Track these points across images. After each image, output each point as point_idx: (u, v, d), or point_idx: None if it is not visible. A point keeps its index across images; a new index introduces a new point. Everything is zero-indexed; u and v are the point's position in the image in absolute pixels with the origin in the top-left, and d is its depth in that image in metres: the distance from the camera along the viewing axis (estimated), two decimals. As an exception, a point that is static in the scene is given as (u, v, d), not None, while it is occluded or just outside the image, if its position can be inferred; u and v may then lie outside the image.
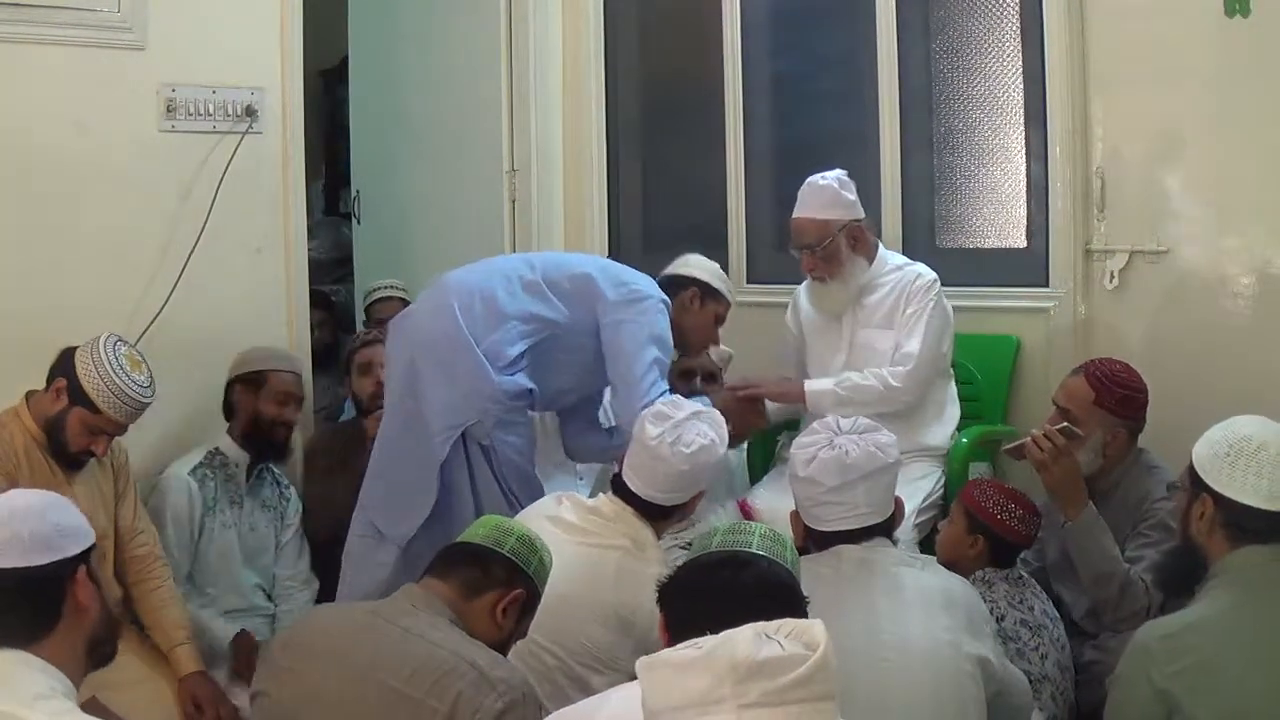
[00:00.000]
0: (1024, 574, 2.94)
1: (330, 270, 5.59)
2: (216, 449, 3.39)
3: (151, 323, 3.47)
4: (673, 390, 3.25)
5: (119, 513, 3.09)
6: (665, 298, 3.38)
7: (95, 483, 3.02)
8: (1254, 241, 3.40)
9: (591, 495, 2.96)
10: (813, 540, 2.42)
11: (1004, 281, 3.91)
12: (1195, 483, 2.21)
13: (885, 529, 2.42)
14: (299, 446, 3.71)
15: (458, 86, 4.72)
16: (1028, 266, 3.86)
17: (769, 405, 3.60)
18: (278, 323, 3.82)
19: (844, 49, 4.30)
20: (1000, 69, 3.93)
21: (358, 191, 5.05)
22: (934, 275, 3.57)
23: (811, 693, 1.29)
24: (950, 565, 2.60)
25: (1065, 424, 3.01)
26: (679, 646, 1.35)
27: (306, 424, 3.92)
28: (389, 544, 3.17)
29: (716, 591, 1.83)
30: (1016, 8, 3.85)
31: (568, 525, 2.66)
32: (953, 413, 3.62)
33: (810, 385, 3.53)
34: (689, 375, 3.77)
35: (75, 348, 2.93)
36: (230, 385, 3.46)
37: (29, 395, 2.98)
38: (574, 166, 4.78)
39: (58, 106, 3.40)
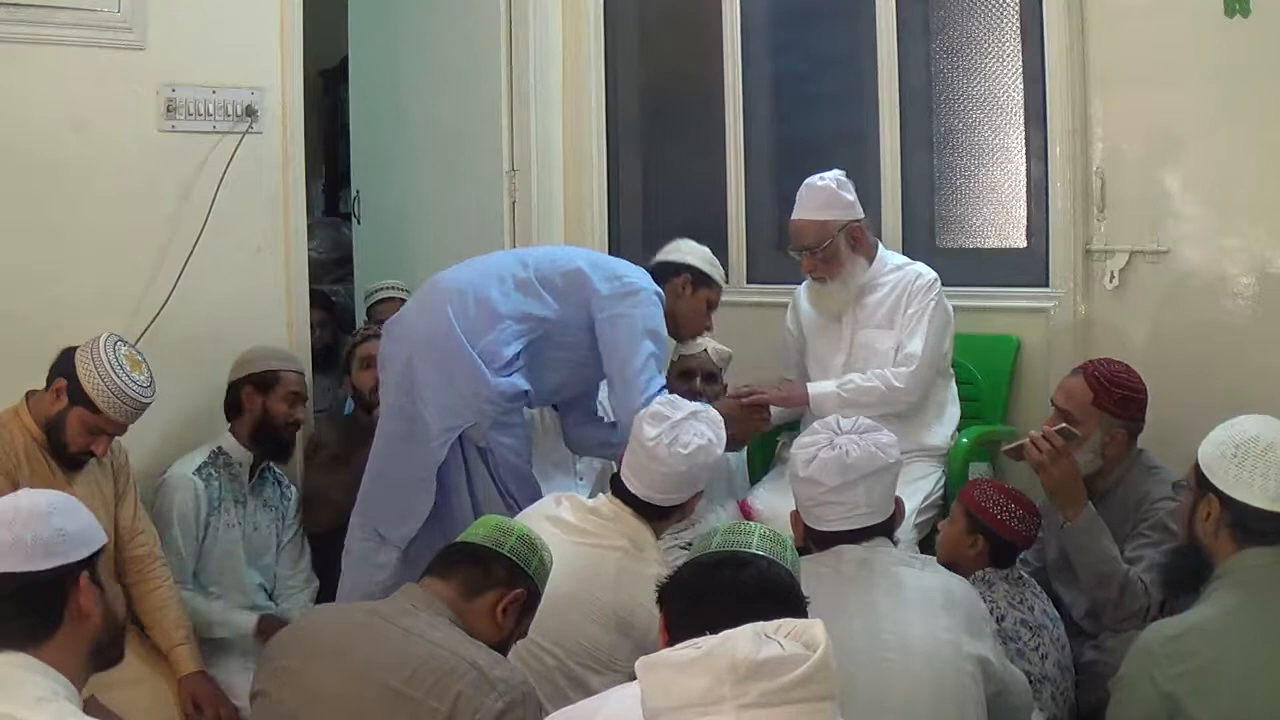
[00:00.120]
0: (1024, 574, 2.94)
1: (330, 270, 5.59)
2: (220, 448, 3.40)
3: (151, 323, 3.47)
4: (672, 391, 3.25)
5: (119, 513, 3.09)
6: (658, 289, 3.37)
7: (95, 483, 3.02)
8: (1254, 241, 3.40)
9: (591, 495, 2.96)
10: (813, 540, 2.42)
11: (1004, 281, 3.91)
12: (1201, 483, 2.19)
13: (886, 529, 2.42)
14: (300, 444, 3.72)
15: (458, 86, 4.72)
16: (1028, 266, 3.86)
17: (771, 409, 3.60)
18: (278, 323, 3.82)
19: (844, 49, 4.30)
20: (1000, 69, 3.93)
21: (358, 191, 5.05)
22: (934, 275, 3.57)
23: (811, 693, 1.29)
24: (950, 565, 2.60)
25: (1064, 425, 3.01)
26: (678, 646, 1.35)
27: (307, 424, 3.92)
28: (389, 546, 3.17)
29: (716, 591, 1.83)
30: (1016, 8, 3.85)
31: (567, 525, 2.66)
32: (953, 413, 3.62)
33: (813, 388, 3.53)
34: (689, 375, 3.77)
35: (75, 348, 2.93)
36: (237, 385, 3.45)
37: (29, 395, 2.97)
38: (574, 166, 4.78)
39: (58, 106, 3.40)
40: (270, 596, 3.47)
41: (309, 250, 4.02)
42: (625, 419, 3.21)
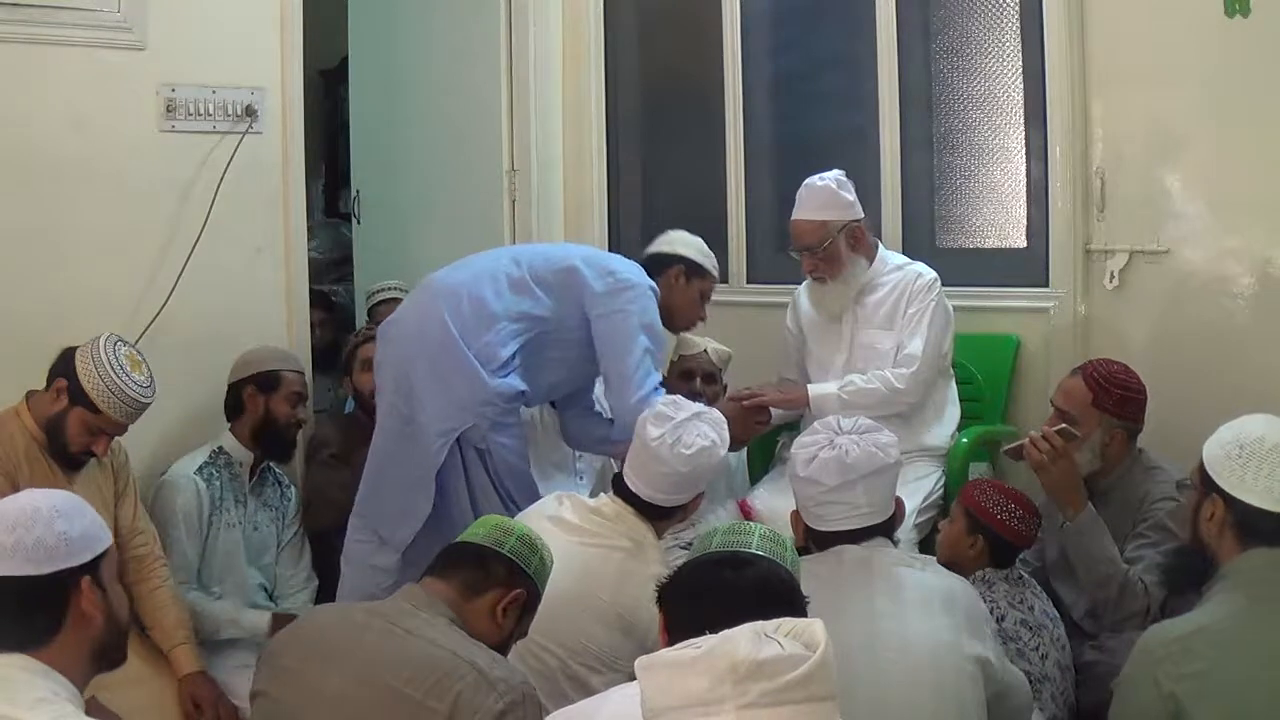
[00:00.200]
0: (1024, 574, 2.94)
1: (330, 270, 5.59)
2: (220, 448, 3.39)
3: (151, 323, 3.47)
4: (671, 392, 3.25)
5: (119, 513, 3.09)
6: (653, 284, 3.36)
7: (95, 483, 3.02)
8: (1254, 241, 3.40)
9: (591, 495, 2.96)
10: (813, 540, 2.42)
11: (1004, 281, 3.91)
12: (1205, 482, 2.18)
13: (886, 529, 2.42)
14: (300, 444, 3.71)
15: (458, 86, 4.72)
16: (1028, 266, 3.86)
17: (772, 409, 3.60)
18: (278, 323, 3.82)
19: (844, 49, 4.30)
20: (1000, 69, 3.93)
21: (358, 191, 5.05)
22: (934, 275, 3.57)
23: (811, 693, 1.29)
24: (950, 565, 2.60)
25: (1064, 425, 3.01)
26: (678, 646, 1.35)
27: (307, 424, 3.92)
28: (388, 548, 3.17)
29: (716, 592, 1.82)
30: (1016, 8, 3.85)
31: (569, 525, 2.66)
32: (953, 413, 3.62)
33: (814, 390, 3.53)
34: (688, 376, 3.78)
35: (75, 348, 2.93)
36: (239, 386, 3.44)
37: (29, 395, 2.97)
38: (574, 166, 4.78)
39: (58, 106, 3.40)
40: (270, 596, 3.47)
41: (309, 250, 4.02)
42: (622, 416, 3.22)
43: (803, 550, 2.34)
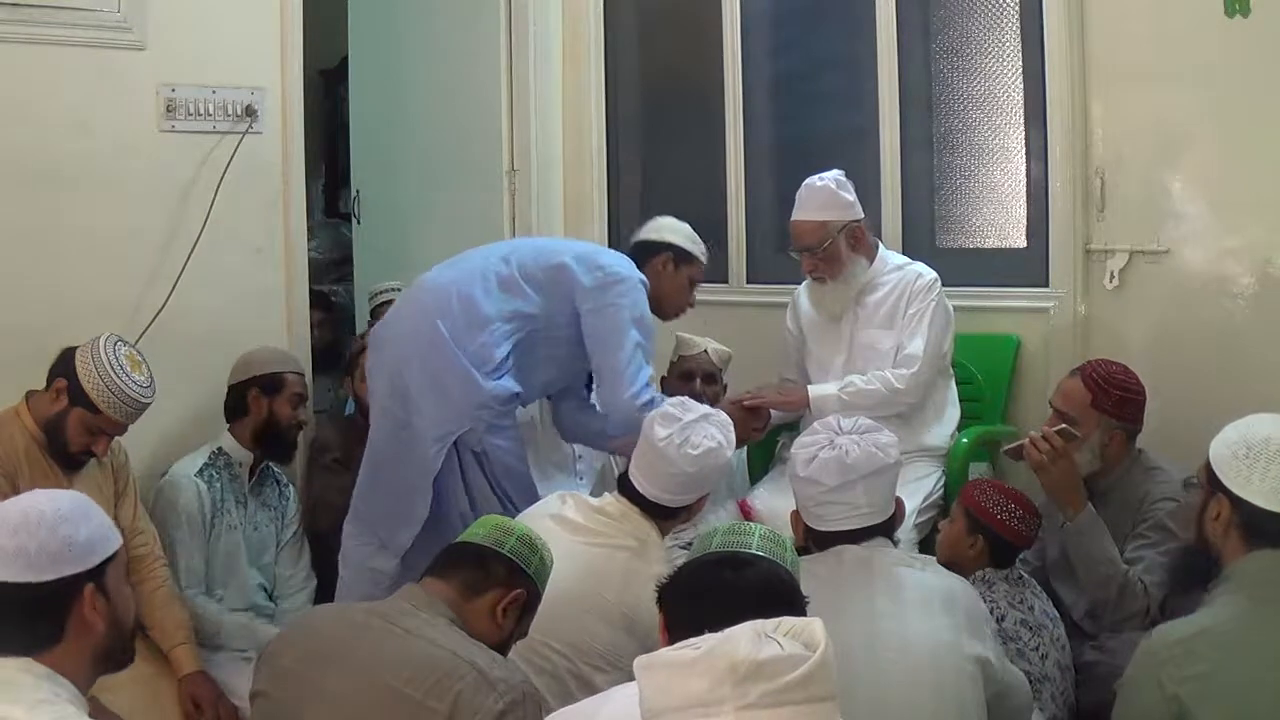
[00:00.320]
0: (1024, 574, 2.94)
1: (330, 270, 5.59)
2: (220, 449, 3.39)
3: (151, 323, 3.47)
4: (671, 393, 3.25)
5: (119, 513, 3.09)
6: (643, 277, 3.35)
7: (95, 483, 3.01)
8: (1254, 241, 3.40)
9: (591, 495, 2.96)
10: (813, 540, 2.42)
11: (1004, 281, 3.91)
12: (1212, 482, 2.16)
13: (886, 529, 2.42)
14: (301, 448, 3.71)
15: (458, 86, 4.72)
16: (1028, 266, 3.86)
17: (772, 410, 3.60)
18: (277, 323, 3.82)
19: (844, 49, 4.30)
20: (1000, 69, 3.93)
21: (358, 191, 5.05)
22: (934, 275, 3.57)
23: (811, 693, 1.28)
24: (950, 565, 2.60)
25: (1063, 425, 3.01)
26: (677, 646, 1.34)
27: (308, 427, 3.92)
28: (386, 553, 3.17)
29: (716, 592, 1.82)
30: (1016, 8, 3.85)
31: (573, 525, 2.66)
32: (953, 413, 3.62)
33: (814, 391, 3.53)
34: (689, 377, 3.78)
35: (75, 348, 2.93)
36: (242, 388, 3.43)
37: (29, 395, 2.97)
38: (574, 166, 4.78)
39: (58, 106, 3.40)
40: (270, 596, 3.47)
41: (309, 250, 4.02)
42: (615, 412, 3.22)
43: (803, 550, 2.33)
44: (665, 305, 3.51)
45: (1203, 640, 2.02)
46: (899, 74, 4.07)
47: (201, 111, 3.62)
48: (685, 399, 2.85)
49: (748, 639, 1.30)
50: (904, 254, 3.76)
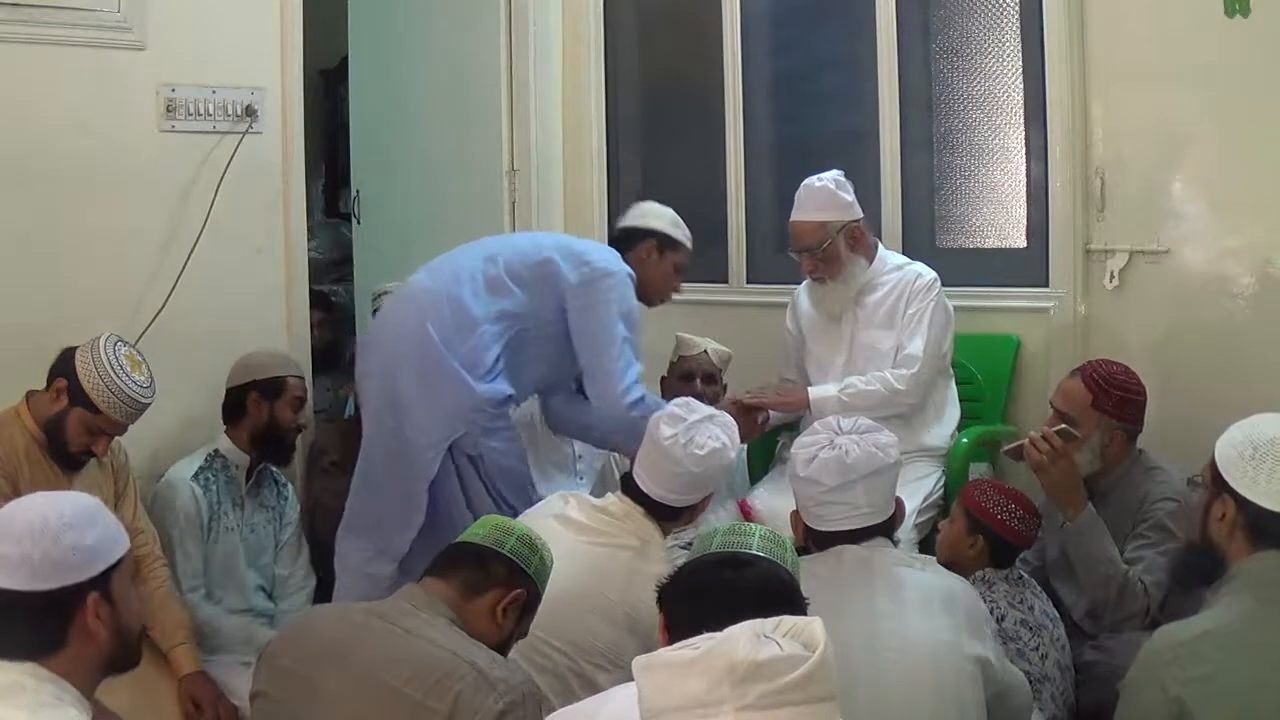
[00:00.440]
0: (1024, 574, 2.94)
1: (330, 270, 5.59)
2: (216, 451, 3.38)
3: (151, 323, 3.47)
4: (671, 393, 3.25)
5: (119, 513, 3.07)
6: (629, 270, 3.34)
7: (95, 483, 3.01)
8: (1254, 241, 3.40)
9: (592, 495, 2.96)
10: (813, 540, 2.42)
11: (1004, 281, 3.91)
12: (1217, 482, 2.15)
13: (886, 529, 2.42)
14: (301, 451, 3.71)
15: (458, 86, 4.72)
16: (1028, 266, 3.86)
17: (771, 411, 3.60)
18: (277, 323, 3.82)
19: (844, 49, 4.30)
20: (1000, 69, 3.93)
21: (358, 191, 5.05)
22: (934, 275, 3.57)
23: (810, 694, 1.28)
24: (950, 565, 2.60)
25: (1064, 425, 3.01)
26: (676, 646, 1.34)
27: (308, 430, 3.92)
28: (385, 558, 3.16)
29: (716, 592, 1.82)
30: (1016, 8, 3.85)
31: (576, 525, 2.66)
32: (953, 413, 3.62)
33: (814, 393, 3.53)
34: (689, 378, 3.77)
35: (75, 348, 2.92)
36: (241, 391, 3.41)
37: (29, 395, 2.97)
38: (574, 166, 4.78)
39: (58, 106, 3.40)
40: (269, 596, 3.46)
41: (309, 250, 4.02)
42: (604, 408, 3.22)
43: (803, 550, 2.33)
44: (651, 292, 3.49)
45: (1206, 642, 2.01)
46: (899, 74, 4.07)
47: (201, 111, 3.62)
48: (690, 400, 2.85)
49: (747, 639, 1.30)
50: (904, 254, 3.76)
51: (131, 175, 3.52)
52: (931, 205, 4.11)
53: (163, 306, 3.50)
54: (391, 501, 3.16)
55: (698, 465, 2.67)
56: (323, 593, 3.49)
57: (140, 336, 3.35)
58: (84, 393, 2.86)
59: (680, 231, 3.55)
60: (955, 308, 3.61)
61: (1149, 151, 3.56)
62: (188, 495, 3.26)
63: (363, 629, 2.08)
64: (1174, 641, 2.04)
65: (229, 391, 3.44)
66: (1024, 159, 3.90)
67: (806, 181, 3.59)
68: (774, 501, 3.35)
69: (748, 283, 4.47)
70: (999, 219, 4.02)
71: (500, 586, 2.18)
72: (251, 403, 3.40)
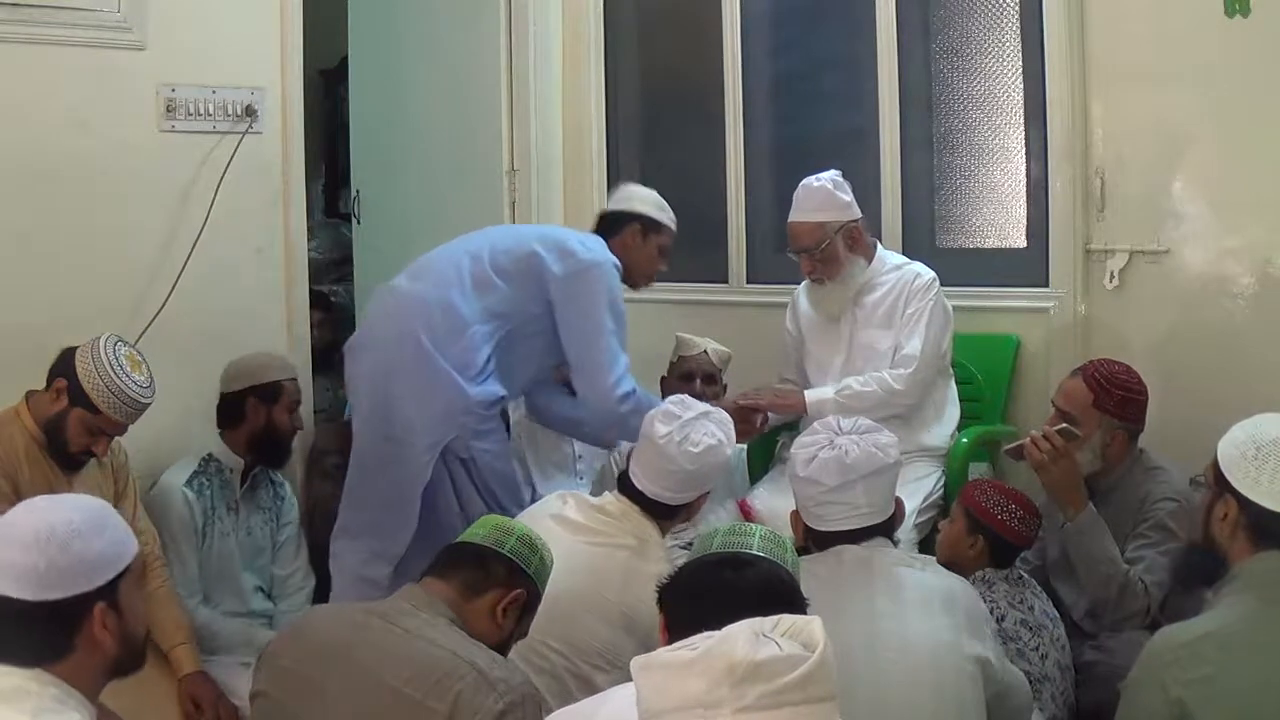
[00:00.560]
0: (1024, 574, 2.94)
1: (330, 270, 5.59)
2: (210, 455, 3.37)
3: (151, 322, 3.47)
4: (670, 394, 3.24)
5: (118, 513, 3.08)
6: (615, 259, 3.33)
7: (95, 483, 3.01)
8: (1254, 241, 3.40)
9: (591, 494, 2.96)
10: (813, 540, 2.42)
11: (1004, 281, 3.91)
12: (1219, 482, 2.14)
13: (886, 529, 2.42)
14: (301, 453, 3.71)
15: (458, 86, 4.72)
16: (1028, 266, 3.86)
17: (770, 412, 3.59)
18: (277, 323, 3.82)
19: (844, 49, 4.30)
20: (1000, 69, 3.93)
21: (358, 191, 5.05)
22: (933, 274, 3.56)
23: (810, 694, 1.28)
24: (950, 565, 2.60)
25: (1064, 425, 3.01)
26: (674, 646, 1.34)
27: (308, 431, 3.92)
28: (380, 561, 3.16)
29: (717, 592, 1.82)
30: (1016, 8, 3.85)
31: (573, 524, 2.66)
32: (952, 413, 3.62)
33: (811, 395, 3.52)
34: (689, 378, 3.77)
35: (75, 348, 2.92)
36: (239, 396, 3.39)
37: (29, 395, 2.97)
38: (574, 166, 4.78)
39: (58, 106, 3.40)
40: (268, 597, 3.46)
41: (309, 250, 4.02)
42: (593, 402, 3.22)
43: (803, 550, 2.33)
44: (636, 276, 3.48)
45: (1207, 643, 2.01)
46: (899, 74, 4.07)
47: (201, 111, 3.62)
48: (685, 397, 2.85)
49: (746, 639, 1.30)
50: (904, 254, 3.76)
51: (131, 175, 3.52)
52: (931, 205, 4.10)
53: (163, 306, 3.50)
54: (386, 504, 3.16)
55: (692, 463, 2.67)
56: (322, 593, 3.49)
57: (140, 336, 3.35)
58: (84, 393, 2.86)
59: (665, 214, 3.54)
60: (955, 308, 3.61)
61: (1149, 151, 3.56)
62: (181, 502, 3.26)
63: (363, 629, 2.08)
64: (1175, 643, 2.04)
65: (225, 396, 3.42)
66: (1024, 159, 3.90)
67: (804, 182, 3.59)
68: (774, 501, 3.35)
69: (748, 283, 4.47)
70: (999, 219, 4.02)
71: (500, 586, 2.18)
72: (249, 408, 3.38)
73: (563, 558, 2.35)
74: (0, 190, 3.31)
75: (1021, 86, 3.86)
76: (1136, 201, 3.59)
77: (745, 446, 3.79)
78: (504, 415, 3.42)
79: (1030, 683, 2.52)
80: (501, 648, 2.16)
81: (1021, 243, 3.95)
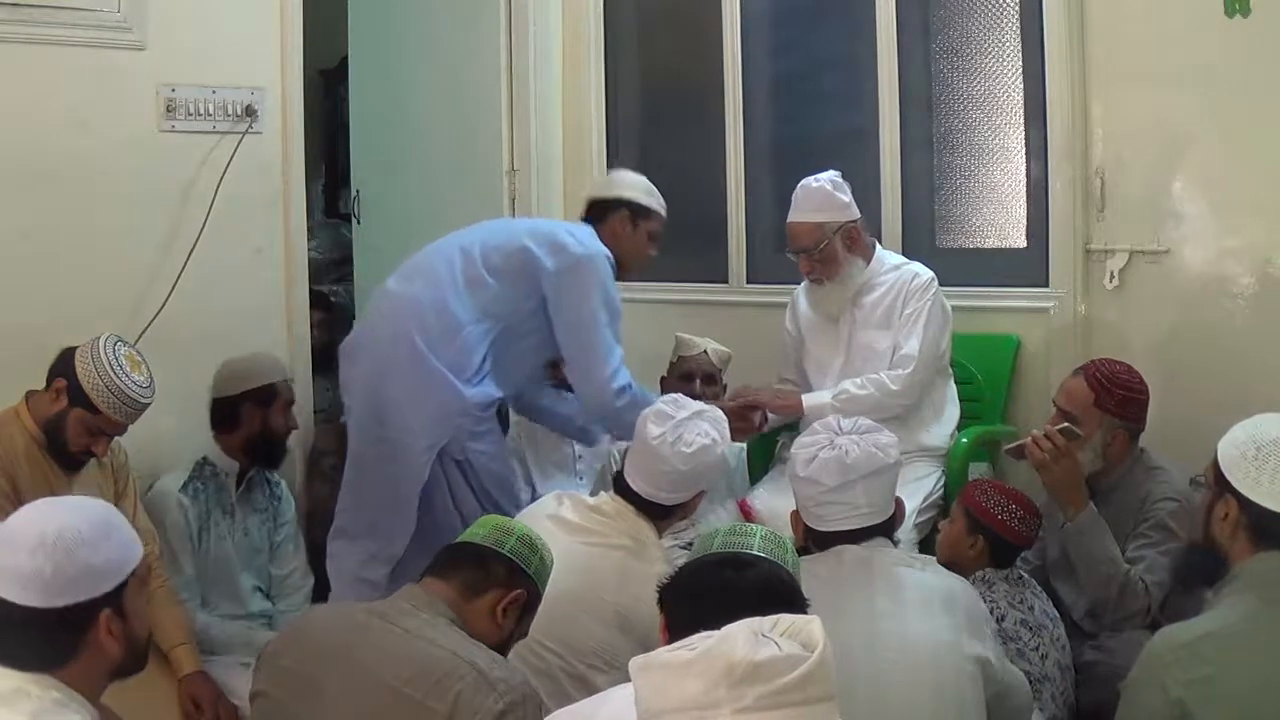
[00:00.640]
0: (1024, 574, 2.94)
1: (330, 270, 5.58)
2: (205, 459, 3.36)
3: (151, 322, 3.47)
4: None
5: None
6: (606, 251, 3.31)
7: (95, 483, 3.01)
8: (1254, 241, 3.40)
9: (591, 495, 2.96)
10: (813, 540, 2.42)
11: (1004, 281, 3.91)
12: (1220, 482, 2.14)
13: (886, 529, 2.42)
14: (300, 454, 3.70)
15: (458, 86, 4.72)
16: (1028, 266, 3.86)
17: (769, 413, 3.59)
18: (277, 323, 3.82)
19: (844, 49, 4.30)
20: (1000, 69, 3.93)
21: (358, 191, 5.05)
22: (931, 274, 3.56)
23: (809, 694, 1.27)
24: (950, 565, 2.60)
25: (1066, 424, 3.01)
26: (673, 646, 1.33)
27: (307, 433, 3.92)
28: (378, 563, 3.16)
29: (717, 593, 1.82)
30: (1016, 8, 3.85)
31: (570, 525, 2.66)
32: (952, 413, 3.62)
33: (808, 399, 3.52)
34: (689, 378, 3.77)
35: (75, 348, 2.92)
36: (234, 401, 3.37)
37: (29, 395, 2.97)
38: (574, 166, 4.78)
39: (58, 106, 3.40)
40: (267, 596, 3.46)
41: (309, 250, 4.01)
42: (591, 398, 3.22)
43: (803, 550, 2.33)
44: (626, 263, 3.45)
45: (1208, 643, 2.00)
46: (899, 74, 4.07)
47: (201, 111, 3.62)
48: (679, 396, 2.85)
49: (745, 639, 1.29)
50: (904, 254, 3.77)
51: (131, 175, 3.52)
52: (931, 205, 4.11)
53: (163, 306, 3.50)
54: (385, 506, 3.16)
55: (685, 463, 2.66)
56: (321, 594, 3.49)
57: (140, 336, 3.34)
58: (83, 393, 2.86)
59: (653, 199, 3.50)
60: (955, 308, 3.61)
61: (1149, 151, 3.56)
62: (176, 508, 3.25)
63: (363, 629, 2.08)
64: (1175, 643, 2.03)
65: (220, 402, 3.39)
66: (1024, 159, 3.90)
67: (803, 182, 3.59)
68: (774, 501, 3.35)
69: (748, 283, 4.47)
70: (999, 219, 4.03)
71: (500, 587, 2.18)
72: (245, 413, 3.36)
73: (559, 558, 2.35)
74: (0, 190, 3.31)
75: (1021, 86, 3.86)
76: (1136, 201, 3.59)
77: (745, 446, 3.79)
78: (502, 416, 3.42)
79: (1030, 683, 2.52)
80: (502, 648, 2.16)
81: (1021, 243, 3.95)
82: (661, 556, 2.64)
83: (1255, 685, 1.95)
